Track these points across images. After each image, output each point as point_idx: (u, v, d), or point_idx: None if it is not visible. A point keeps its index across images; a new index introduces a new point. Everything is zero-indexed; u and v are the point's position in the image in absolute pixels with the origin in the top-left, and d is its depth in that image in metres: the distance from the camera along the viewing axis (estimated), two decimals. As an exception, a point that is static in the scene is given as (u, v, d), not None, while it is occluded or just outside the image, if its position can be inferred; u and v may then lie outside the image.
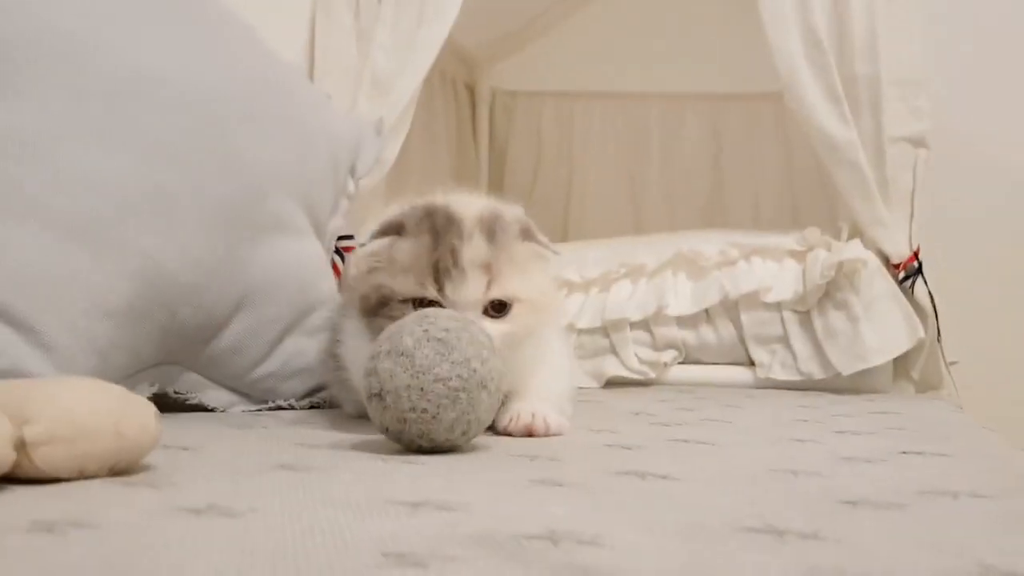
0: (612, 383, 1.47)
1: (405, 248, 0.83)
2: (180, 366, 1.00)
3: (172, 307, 0.93)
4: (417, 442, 0.71)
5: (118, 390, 0.61)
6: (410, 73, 1.58)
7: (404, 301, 0.82)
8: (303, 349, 1.09)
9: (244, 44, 1.12)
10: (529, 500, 0.53)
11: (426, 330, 0.72)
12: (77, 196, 0.85)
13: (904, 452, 0.76)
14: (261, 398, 1.08)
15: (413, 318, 0.74)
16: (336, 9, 1.65)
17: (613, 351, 1.49)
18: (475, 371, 0.71)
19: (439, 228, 0.82)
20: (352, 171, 1.35)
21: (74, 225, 0.85)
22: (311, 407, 1.10)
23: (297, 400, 1.09)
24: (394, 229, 0.84)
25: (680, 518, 0.49)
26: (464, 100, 2.31)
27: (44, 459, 0.55)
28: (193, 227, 0.94)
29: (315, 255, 1.16)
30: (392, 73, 1.60)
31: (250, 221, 1.02)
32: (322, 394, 1.11)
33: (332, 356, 1.01)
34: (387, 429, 0.72)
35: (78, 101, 0.87)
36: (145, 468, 0.62)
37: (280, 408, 1.08)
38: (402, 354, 0.71)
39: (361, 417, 0.97)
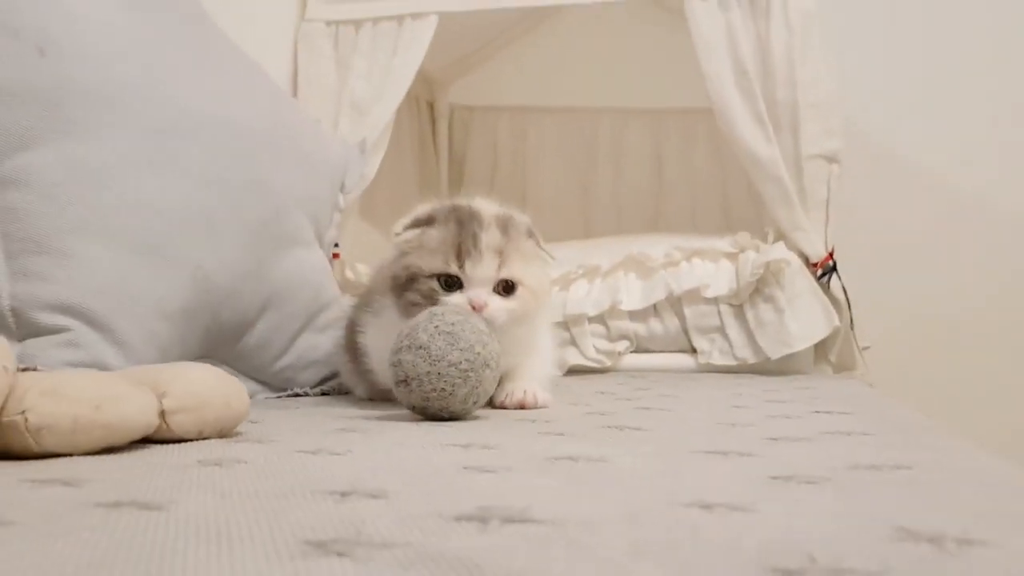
0: (573, 371, 1.67)
1: (433, 235, 1.01)
2: (215, 359, 1.18)
3: (215, 309, 1.11)
4: (439, 414, 0.90)
5: (222, 371, 0.79)
6: (386, 98, 1.76)
7: (430, 276, 0.99)
8: (315, 344, 1.27)
9: (260, 82, 1.30)
10: (544, 442, 0.73)
11: (436, 326, 0.91)
12: (141, 217, 1.02)
13: (817, 411, 0.98)
14: (280, 387, 1.25)
15: (424, 317, 0.93)
16: (316, 39, 1.82)
17: (573, 342, 1.68)
18: (479, 354, 0.90)
19: (463, 219, 1.01)
20: (342, 187, 1.53)
21: (140, 241, 1.02)
22: (322, 394, 1.28)
23: (311, 388, 1.27)
24: (425, 221, 1.02)
25: (655, 448, 0.69)
26: (425, 115, 2.49)
27: (177, 424, 0.73)
28: (232, 242, 1.12)
29: (322, 263, 1.34)
30: (369, 98, 1.77)
31: (274, 235, 1.20)
32: (332, 382, 1.29)
33: (345, 348, 1.20)
34: (413, 407, 0.91)
35: (140, 137, 1.03)
36: (240, 433, 0.80)
37: (296, 395, 1.26)
38: (420, 347, 0.90)
39: (372, 399, 1.15)
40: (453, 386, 0.89)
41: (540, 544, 0.39)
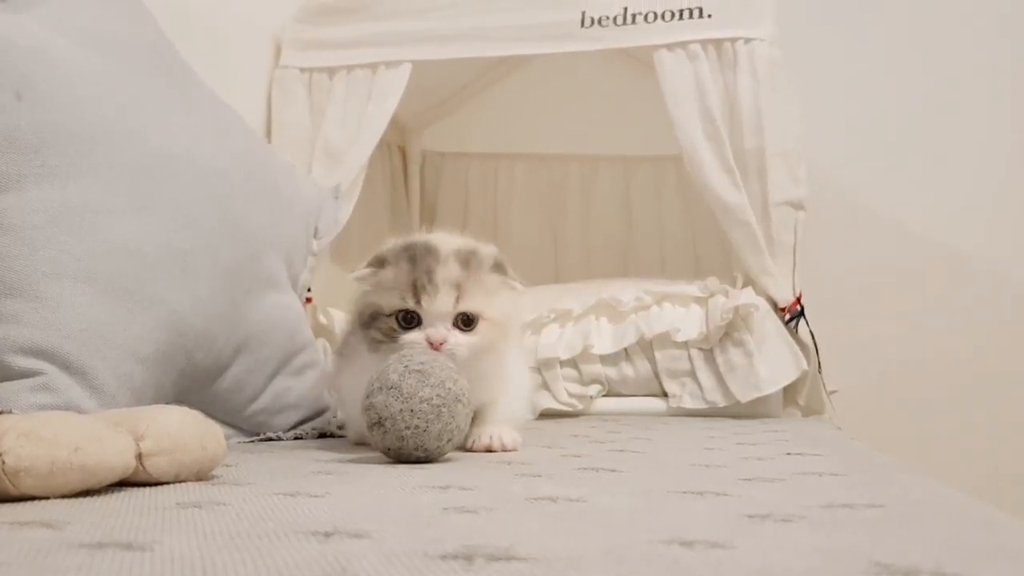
0: (545, 414, 1.68)
1: (388, 273, 1.03)
2: (188, 402, 1.17)
3: (189, 352, 1.11)
4: (414, 454, 0.90)
5: (199, 414, 0.79)
6: (360, 144, 1.78)
7: (389, 315, 1.01)
8: (290, 387, 1.27)
9: (235, 126, 1.31)
10: (522, 484, 0.73)
11: (406, 366, 0.91)
12: (116, 260, 1.02)
13: (788, 453, 0.99)
14: (253, 431, 1.25)
15: (394, 359, 0.93)
16: (291, 85, 1.84)
17: (545, 386, 1.69)
18: (450, 390, 0.91)
19: (417, 255, 1.01)
20: (315, 232, 1.54)
21: (115, 284, 1.02)
22: (295, 438, 1.28)
23: (284, 432, 1.27)
24: (377, 262, 1.04)
25: (631, 488, 0.70)
26: (397, 161, 2.51)
27: (153, 466, 0.72)
28: (207, 284, 1.12)
29: (296, 306, 1.35)
30: (343, 144, 1.79)
31: (249, 278, 1.20)
32: (305, 426, 1.29)
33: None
34: (388, 449, 0.91)
35: (116, 181, 1.04)
36: (216, 476, 0.80)
37: (269, 439, 1.25)
38: (392, 387, 0.90)
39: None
40: (427, 422, 0.89)
41: (526, 580, 0.40)
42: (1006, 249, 2.34)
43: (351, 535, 0.50)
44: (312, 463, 0.91)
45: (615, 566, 0.42)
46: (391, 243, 1.07)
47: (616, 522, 0.55)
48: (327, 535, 0.50)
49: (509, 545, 0.46)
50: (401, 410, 0.89)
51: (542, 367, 1.69)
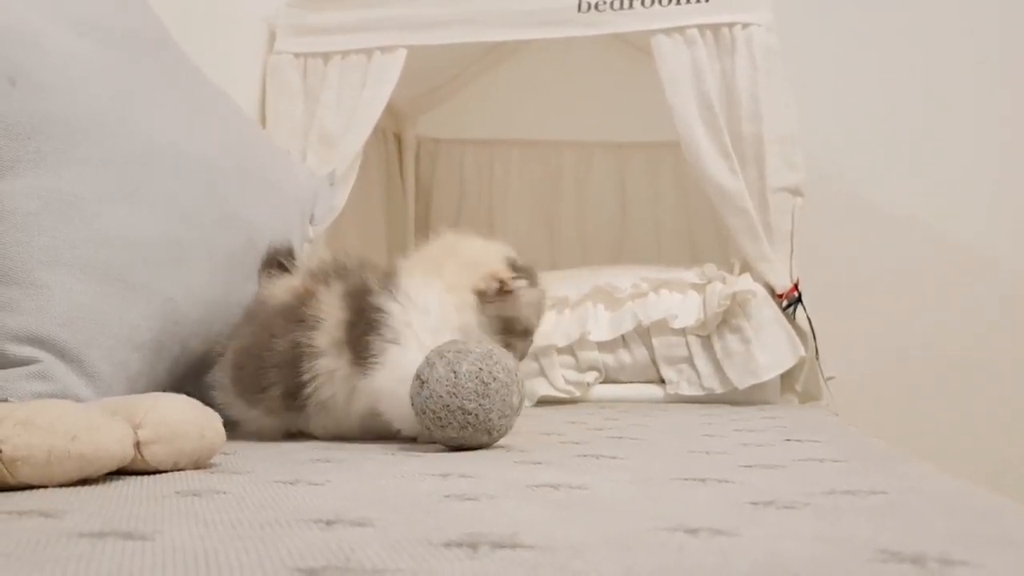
0: (542, 402, 1.67)
1: (536, 293, 1.12)
2: (184, 390, 1.16)
3: (184, 340, 1.10)
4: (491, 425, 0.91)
5: (197, 402, 0.78)
6: (355, 131, 1.76)
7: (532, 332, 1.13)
8: (286, 375, 1.26)
9: (231, 114, 1.30)
10: (522, 470, 0.73)
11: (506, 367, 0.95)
12: (112, 248, 1.01)
13: (787, 440, 0.99)
14: (249, 418, 1.24)
15: (477, 359, 0.93)
16: (285, 71, 1.82)
17: (542, 373, 1.69)
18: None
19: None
20: (311, 219, 1.53)
21: (110, 272, 1.01)
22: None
23: (280, 420, 1.26)
24: (531, 278, 1.11)
25: (632, 475, 0.69)
26: (392, 148, 2.50)
27: (151, 455, 0.72)
28: (203, 272, 1.11)
29: (292, 294, 1.34)
30: (338, 130, 1.77)
31: (244, 266, 1.20)
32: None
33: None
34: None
35: (111, 169, 1.03)
36: (214, 464, 0.79)
37: (265, 427, 1.24)
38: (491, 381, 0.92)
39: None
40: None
41: (532, 569, 0.39)
42: (1002, 237, 2.34)
43: (353, 523, 0.50)
44: (310, 451, 0.91)
45: (620, 554, 0.42)
46: (511, 257, 1.11)
47: (619, 509, 0.55)
48: (329, 523, 0.50)
49: (513, 533, 0.46)
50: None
51: (539, 354, 1.69)
